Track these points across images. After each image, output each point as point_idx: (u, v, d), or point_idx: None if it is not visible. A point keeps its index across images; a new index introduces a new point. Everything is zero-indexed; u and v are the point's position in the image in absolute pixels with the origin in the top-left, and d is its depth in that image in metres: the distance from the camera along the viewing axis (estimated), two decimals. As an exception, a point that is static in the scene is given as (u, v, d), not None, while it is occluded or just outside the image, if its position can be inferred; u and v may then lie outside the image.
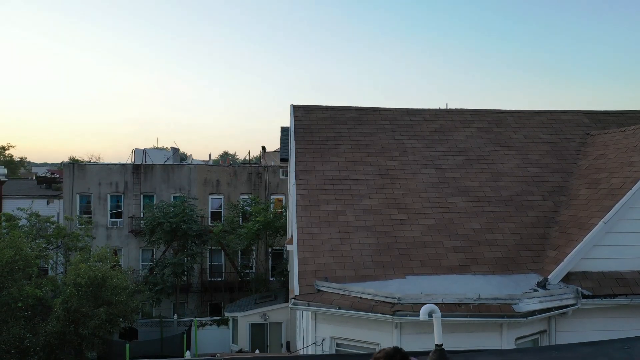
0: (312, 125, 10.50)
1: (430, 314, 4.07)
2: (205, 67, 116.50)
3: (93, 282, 14.12)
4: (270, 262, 27.52)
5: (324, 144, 10.06)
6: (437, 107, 11.28)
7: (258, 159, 38.43)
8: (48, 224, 21.35)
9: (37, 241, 18.58)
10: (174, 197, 28.67)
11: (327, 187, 9.17)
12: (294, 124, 10.44)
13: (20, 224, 20.74)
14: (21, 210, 21.54)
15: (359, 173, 9.51)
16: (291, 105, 10.81)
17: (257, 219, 23.17)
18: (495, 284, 7.67)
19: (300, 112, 10.77)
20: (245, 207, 27.30)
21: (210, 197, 29.96)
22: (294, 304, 7.41)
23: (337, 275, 7.71)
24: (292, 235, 9.75)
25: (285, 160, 20.24)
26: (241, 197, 29.21)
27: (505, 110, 11.28)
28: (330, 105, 11.06)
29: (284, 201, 26.78)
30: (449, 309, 6.80)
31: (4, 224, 20.67)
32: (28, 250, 14.57)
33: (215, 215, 29.37)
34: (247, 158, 46.72)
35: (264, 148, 38.62)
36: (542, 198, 9.27)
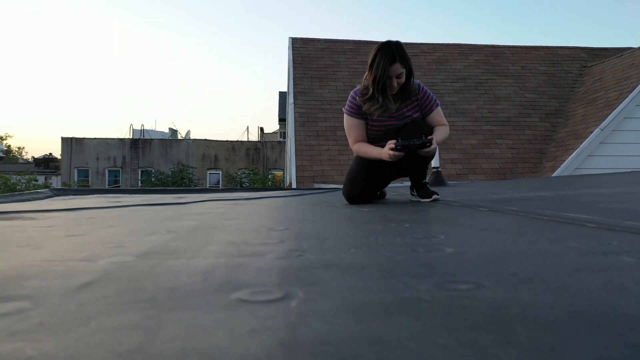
0: (310, 54, 10.51)
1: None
2: (202, 54, 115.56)
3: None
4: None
5: (322, 71, 10.08)
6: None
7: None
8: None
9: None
10: (171, 171, 28.64)
11: (325, 107, 9.19)
12: (292, 54, 10.44)
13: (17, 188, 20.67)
14: (19, 175, 21.48)
15: (357, 95, 9.52)
16: (289, 37, 10.82)
17: (254, 185, 23.19)
18: (492, 189, 7.71)
19: (298, 44, 10.79)
20: (243, 180, 27.30)
21: (208, 172, 29.95)
22: (291, 205, 7.43)
23: (335, 180, 7.74)
24: (290, 182, 9.71)
25: (283, 120, 20.25)
26: (239, 171, 29.21)
27: (502, 45, 11.32)
28: (328, 38, 11.07)
29: (282, 176, 26.75)
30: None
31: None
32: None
33: (214, 190, 29.37)
34: (246, 135, 46.63)
35: (262, 129, 38.64)
36: (539, 120, 9.32)
